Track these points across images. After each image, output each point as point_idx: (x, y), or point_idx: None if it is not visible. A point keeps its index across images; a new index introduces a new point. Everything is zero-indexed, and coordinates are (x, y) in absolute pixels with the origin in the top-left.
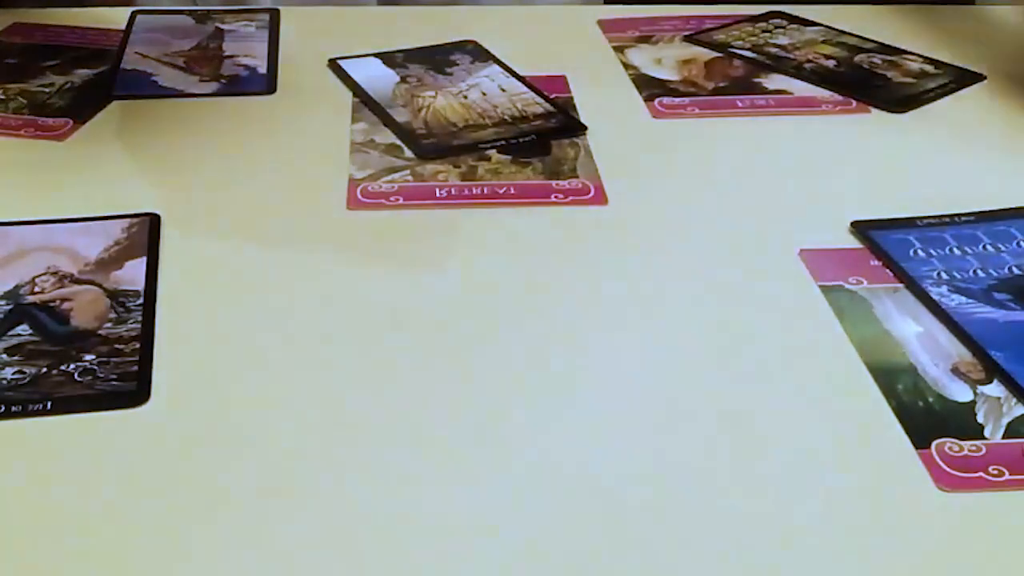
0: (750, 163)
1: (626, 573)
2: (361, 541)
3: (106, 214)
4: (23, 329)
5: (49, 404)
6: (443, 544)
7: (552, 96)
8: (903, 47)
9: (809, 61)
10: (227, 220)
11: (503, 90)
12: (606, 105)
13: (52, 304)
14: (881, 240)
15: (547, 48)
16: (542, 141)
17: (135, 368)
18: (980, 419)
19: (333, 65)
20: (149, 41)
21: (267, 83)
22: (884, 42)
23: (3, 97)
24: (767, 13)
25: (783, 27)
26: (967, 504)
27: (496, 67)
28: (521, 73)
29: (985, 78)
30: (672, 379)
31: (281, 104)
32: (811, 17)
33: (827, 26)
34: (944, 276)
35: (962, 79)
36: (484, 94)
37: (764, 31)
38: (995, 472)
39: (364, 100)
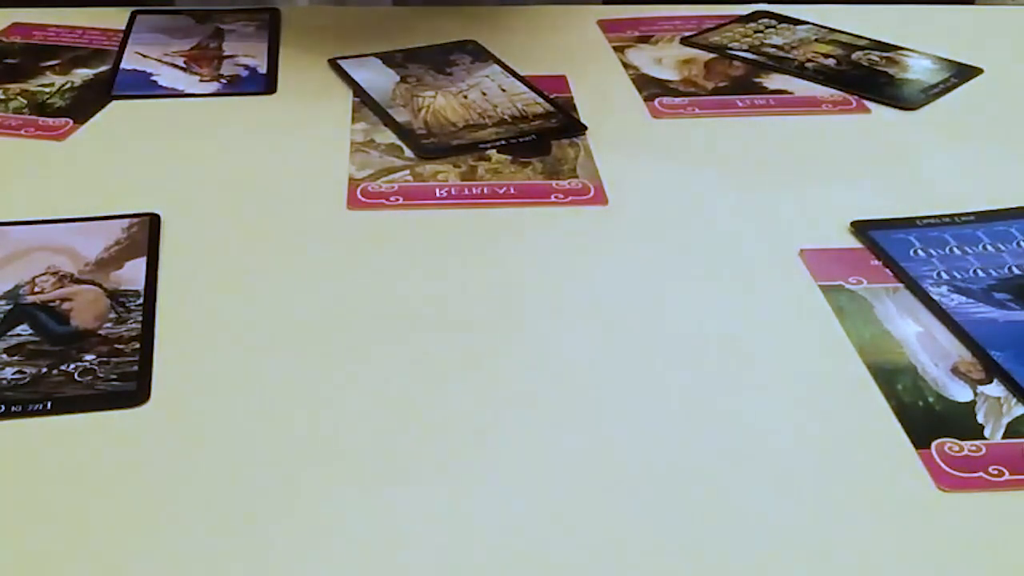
0: (750, 163)
1: (627, 575)
2: (361, 540)
3: (106, 214)
4: (23, 329)
5: (49, 404)
6: (442, 545)
7: (552, 96)
8: (894, 43)
9: (810, 60)
10: (227, 220)
11: (503, 90)
12: (606, 105)
13: (52, 304)
14: (881, 240)
15: (547, 48)
16: (542, 141)
17: (135, 368)
18: (980, 419)
19: (333, 65)
20: (149, 41)
21: (267, 83)
22: (875, 38)
23: (3, 97)
24: (754, 13)
25: (774, 27)
26: (967, 504)
27: (496, 67)
28: (521, 73)
29: (983, 71)
30: (672, 378)
31: (281, 104)
32: (793, 15)
33: (815, 24)
34: (944, 276)
35: (963, 73)
36: (484, 94)
37: (756, 31)
38: (995, 472)
39: (364, 100)
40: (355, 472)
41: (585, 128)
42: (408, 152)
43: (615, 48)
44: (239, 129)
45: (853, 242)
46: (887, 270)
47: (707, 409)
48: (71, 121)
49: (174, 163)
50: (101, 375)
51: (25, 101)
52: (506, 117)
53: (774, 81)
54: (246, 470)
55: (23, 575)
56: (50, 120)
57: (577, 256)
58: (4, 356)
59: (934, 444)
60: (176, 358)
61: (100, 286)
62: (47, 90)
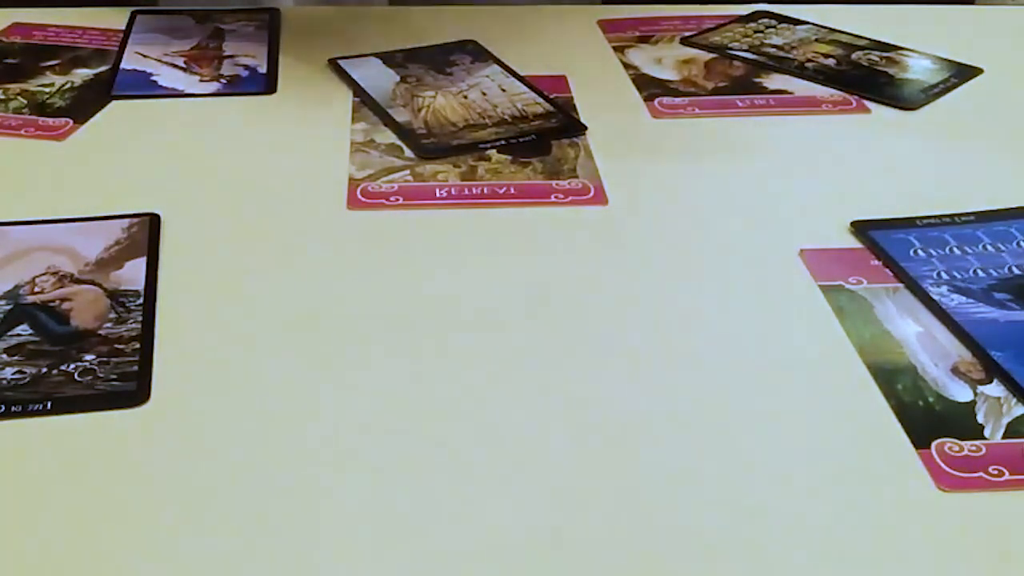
0: (750, 163)
1: (628, 573)
2: (361, 539)
3: (106, 214)
4: (23, 329)
5: (49, 404)
6: (443, 544)
7: (552, 96)
8: (894, 43)
9: (810, 60)
10: (227, 220)
11: (503, 90)
12: (606, 105)
13: (52, 304)
14: (881, 240)
15: (547, 48)
16: (542, 141)
17: (135, 368)
18: (980, 419)
19: (333, 65)
20: (149, 41)
21: (267, 83)
22: (875, 38)
23: (3, 97)
24: (754, 13)
25: (774, 27)
26: (967, 504)
27: (496, 67)
28: (521, 73)
29: (983, 71)
30: (672, 378)
31: (281, 104)
32: (793, 15)
33: (815, 24)
34: (944, 276)
35: (962, 73)
36: (484, 94)
37: (756, 31)
38: (995, 472)
39: (364, 100)
40: (355, 472)
41: (585, 128)
42: (408, 152)
43: (615, 48)
44: (239, 129)
45: (853, 242)
46: (887, 270)
47: (706, 408)
48: (71, 121)
49: (174, 163)
50: (101, 375)
51: (25, 101)
52: (506, 117)
53: (774, 81)
54: (246, 470)
55: (23, 575)
56: (50, 120)
57: (577, 256)
58: (4, 356)
59: (934, 444)
60: (176, 358)
61: (100, 286)
62: (47, 90)
